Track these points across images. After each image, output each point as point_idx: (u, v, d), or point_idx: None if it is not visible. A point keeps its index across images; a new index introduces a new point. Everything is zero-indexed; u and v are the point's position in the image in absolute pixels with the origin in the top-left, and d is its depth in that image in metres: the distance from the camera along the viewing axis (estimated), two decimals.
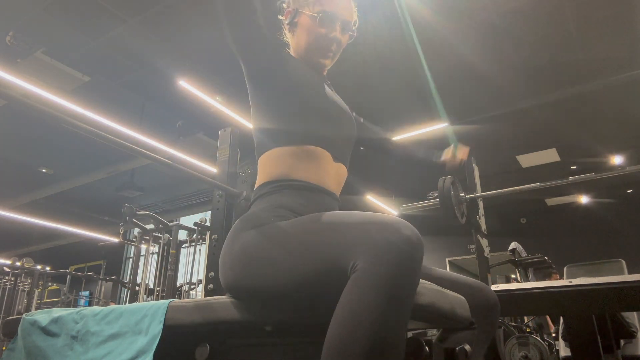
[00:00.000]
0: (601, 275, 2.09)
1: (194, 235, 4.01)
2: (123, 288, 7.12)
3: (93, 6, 3.72)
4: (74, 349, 1.03)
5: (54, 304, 7.98)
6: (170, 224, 4.07)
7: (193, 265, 4.00)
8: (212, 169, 5.82)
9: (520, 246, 4.39)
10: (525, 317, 4.24)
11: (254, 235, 0.91)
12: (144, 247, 4.31)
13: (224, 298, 0.94)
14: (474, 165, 2.87)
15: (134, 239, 4.32)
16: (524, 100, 4.99)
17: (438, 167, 1.45)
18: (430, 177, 2.47)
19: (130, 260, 8.69)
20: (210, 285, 2.02)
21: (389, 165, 6.66)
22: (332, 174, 1.07)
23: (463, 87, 4.83)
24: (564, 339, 3.21)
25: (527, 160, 6.52)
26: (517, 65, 4.44)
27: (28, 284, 5.67)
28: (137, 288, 4.12)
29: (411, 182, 6.96)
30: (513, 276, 4.69)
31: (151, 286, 4.30)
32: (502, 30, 3.96)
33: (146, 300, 3.98)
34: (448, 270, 1.64)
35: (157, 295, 4.08)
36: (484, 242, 2.65)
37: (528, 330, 3.92)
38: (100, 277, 6.70)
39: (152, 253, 4.38)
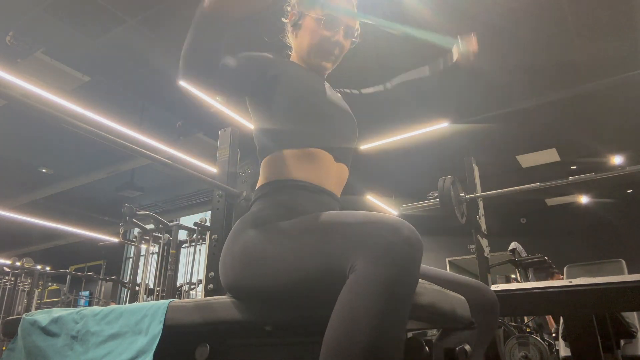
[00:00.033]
0: (601, 275, 2.09)
1: (194, 235, 4.01)
2: (123, 288, 7.12)
3: (93, 6, 3.72)
4: (74, 349, 1.03)
5: (54, 304, 7.98)
6: (170, 224, 4.08)
7: (193, 265, 4.01)
8: (212, 169, 5.82)
9: (520, 246, 4.40)
10: (525, 317, 4.24)
11: (254, 235, 0.91)
12: (144, 247, 4.31)
13: (224, 298, 0.94)
14: (474, 165, 2.87)
15: (134, 239, 4.32)
16: (524, 100, 4.99)
17: (451, 70, 1.38)
18: (431, 177, 2.47)
19: (130, 260, 8.69)
20: (210, 285, 2.02)
21: (389, 165, 6.67)
22: (333, 174, 1.08)
23: (463, 87, 4.83)
24: (564, 339, 3.21)
25: (527, 160, 6.52)
26: (517, 65, 4.44)
27: (28, 284, 5.67)
28: (137, 288, 4.12)
29: (411, 182, 6.96)
30: (513, 276, 4.69)
31: (151, 286, 4.30)
32: (502, 30, 3.96)
33: (146, 300, 3.98)
34: (448, 270, 1.65)
35: (157, 295, 4.08)
36: (484, 242, 2.65)
37: (528, 330, 3.92)
38: (100, 277, 6.70)
39: (152, 253, 4.38)
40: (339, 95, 1.26)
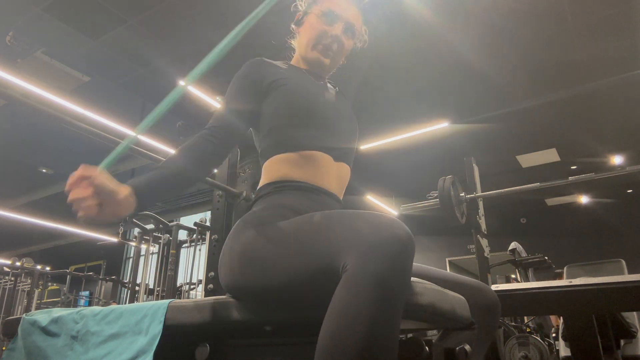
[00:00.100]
0: (601, 275, 2.09)
1: (194, 235, 4.01)
2: (123, 288, 7.12)
3: (93, 6, 3.72)
4: (74, 349, 1.03)
5: (54, 304, 7.98)
6: (170, 224, 4.08)
7: (193, 265, 4.01)
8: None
9: (520, 246, 4.39)
10: (525, 317, 4.24)
11: (254, 235, 0.91)
12: (144, 247, 4.31)
13: (224, 298, 0.95)
14: (474, 165, 2.87)
15: (134, 239, 4.32)
16: (524, 100, 4.99)
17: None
18: (431, 177, 2.47)
19: (130, 260, 8.69)
20: (210, 285, 2.02)
21: (389, 165, 6.67)
22: (334, 174, 1.09)
23: (463, 87, 4.83)
24: (564, 339, 3.21)
25: (527, 160, 6.52)
26: (517, 65, 4.44)
27: (28, 284, 5.67)
28: (137, 288, 4.13)
29: (411, 182, 6.96)
30: (513, 276, 4.69)
31: (151, 286, 4.30)
32: (502, 30, 3.96)
33: (146, 300, 3.98)
34: (448, 270, 1.65)
35: (157, 295, 4.08)
36: (484, 242, 2.65)
37: (528, 330, 3.92)
38: (100, 277, 6.70)
39: (152, 253, 4.38)
40: (341, 94, 1.27)
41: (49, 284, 7.33)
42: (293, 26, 1.23)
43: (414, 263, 0.77)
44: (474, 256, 2.64)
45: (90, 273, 6.42)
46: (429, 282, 0.83)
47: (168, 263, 3.85)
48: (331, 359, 0.65)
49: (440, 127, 5.45)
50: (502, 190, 2.74)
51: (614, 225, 7.14)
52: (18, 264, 5.54)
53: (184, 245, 4.26)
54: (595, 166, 6.25)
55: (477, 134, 5.72)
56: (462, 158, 3.00)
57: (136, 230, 4.37)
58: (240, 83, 1.10)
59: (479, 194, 2.72)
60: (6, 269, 5.43)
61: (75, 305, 8.19)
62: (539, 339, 3.07)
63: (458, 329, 1.00)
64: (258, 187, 1.09)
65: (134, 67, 4.55)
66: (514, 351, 2.98)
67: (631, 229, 6.99)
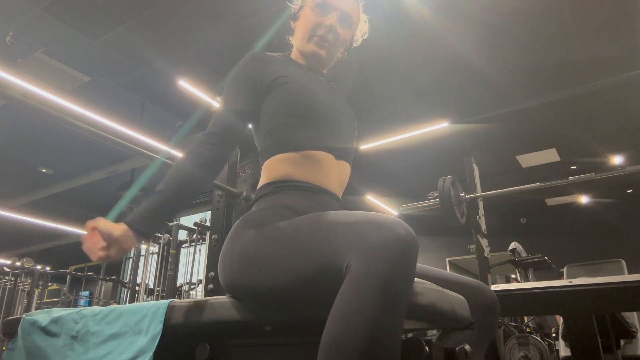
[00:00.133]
0: (601, 275, 2.09)
1: (194, 235, 4.01)
2: (123, 288, 7.12)
3: (93, 6, 3.72)
4: (74, 349, 1.03)
5: (54, 304, 7.98)
6: (170, 224, 4.08)
7: (193, 265, 4.01)
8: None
9: (520, 246, 4.39)
10: (525, 317, 4.24)
11: (254, 235, 0.91)
12: (144, 247, 4.31)
13: (224, 298, 0.95)
14: (474, 165, 2.87)
15: None
16: (524, 100, 4.99)
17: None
18: (431, 177, 2.47)
19: (130, 260, 8.68)
20: (210, 285, 2.02)
21: (389, 165, 6.67)
22: (334, 174, 1.08)
23: (463, 87, 4.83)
24: (564, 339, 3.21)
25: (527, 160, 6.52)
26: (517, 65, 4.44)
27: (28, 284, 5.67)
28: (137, 288, 4.13)
29: (411, 182, 6.96)
30: (513, 276, 4.69)
31: (151, 286, 4.30)
32: (502, 30, 3.96)
33: (146, 300, 3.98)
34: (448, 270, 1.65)
35: (157, 295, 4.08)
36: (484, 242, 2.65)
37: (528, 330, 3.92)
38: (100, 277, 6.70)
39: (152, 253, 4.38)
40: (339, 91, 1.26)
41: (49, 284, 7.33)
42: (290, 22, 1.23)
43: None
44: (474, 256, 2.64)
45: (90, 273, 6.41)
46: (429, 282, 0.83)
47: (168, 263, 3.85)
48: (335, 358, 0.65)
49: (440, 127, 5.45)
50: (502, 190, 2.74)
51: (614, 225, 7.14)
52: (18, 264, 5.54)
53: (184, 245, 4.26)
54: (595, 166, 6.25)
55: (477, 134, 5.72)
56: (462, 158, 3.00)
57: None
58: (239, 83, 1.09)
59: (479, 194, 2.72)
60: (6, 269, 5.43)
61: (75, 305, 8.19)
62: (539, 339, 3.07)
63: (458, 328, 1.00)
64: (258, 187, 1.08)
65: (134, 67, 4.55)
66: (514, 351, 2.98)
67: (631, 229, 6.99)
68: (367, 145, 5.86)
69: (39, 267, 5.73)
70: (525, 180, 2.89)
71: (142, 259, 4.32)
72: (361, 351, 0.64)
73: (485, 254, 2.61)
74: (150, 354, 0.91)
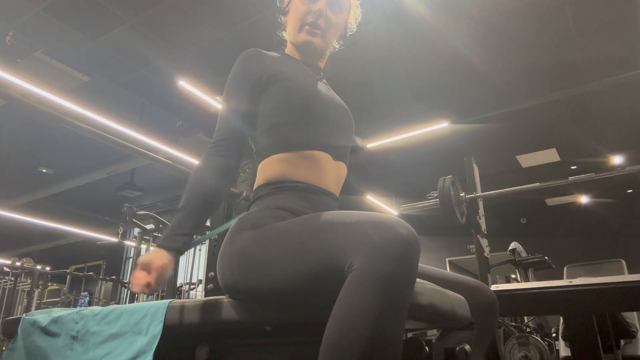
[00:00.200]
0: (601, 275, 2.09)
1: (194, 235, 4.00)
2: (123, 288, 7.12)
3: (93, 6, 3.72)
4: (74, 349, 1.03)
5: (54, 304, 7.98)
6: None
7: (193, 265, 4.01)
8: None
9: (520, 246, 4.39)
10: (525, 317, 4.24)
11: (252, 235, 0.91)
12: (144, 247, 4.31)
13: (223, 298, 0.95)
14: (474, 165, 2.87)
15: (134, 239, 4.32)
16: (524, 100, 4.99)
17: None
18: (431, 177, 2.47)
19: (130, 260, 8.69)
20: (210, 285, 2.02)
21: (389, 165, 6.66)
22: (332, 174, 1.08)
23: (463, 87, 4.83)
24: (564, 339, 3.21)
25: (527, 160, 6.52)
26: (517, 65, 4.44)
27: (28, 284, 5.66)
28: None
29: (411, 182, 6.96)
30: (513, 276, 4.68)
31: None
32: (502, 30, 3.96)
33: (146, 300, 3.98)
34: (448, 270, 1.65)
35: (157, 295, 4.08)
36: (484, 242, 2.65)
37: (528, 330, 3.92)
38: (100, 277, 6.70)
39: None
40: (333, 92, 1.25)
41: (49, 284, 7.32)
42: (280, 17, 1.21)
43: None
44: (474, 256, 2.64)
45: (90, 273, 6.40)
46: (429, 282, 0.83)
47: None
48: (336, 358, 0.65)
49: (440, 127, 5.45)
50: (502, 190, 2.74)
51: (614, 225, 7.14)
52: (18, 264, 5.53)
53: None
54: (595, 166, 6.24)
55: (477, 134, 5.71)
56: (462, 158, 3.00)
57: (136, 230, 4.36)
58: (239, 84, 1.07)
59: (479, 194, 2.72)
60: (6, 269, 5.42)
61: (76, 305, 8.19)
62: (539, 339, 3.07)
63: (458, 328, 1.00)
64: (255, 187, 1.07)
65: (134, 67, 4.55)
66: (514, 351, 2.98)
67: (631, 229, 6.99)
68: (367, 145, 5.86)
69: (39, 267, 5.72)
70: (525, 180, 2.89)
71: None
72: (363, 351, 0.64)
73: (485, 254, 2.61)
74: (150, 354, 0.91)
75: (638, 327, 3.07)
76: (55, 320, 1.10)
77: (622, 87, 4.66)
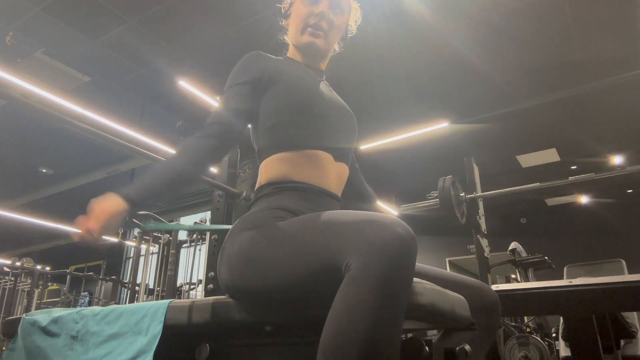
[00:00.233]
0: (601, 275, 2.09)
1: (194, 236, 4.01)
2: (123, 288, 7.12)
3: (93, 6, 3.72)
4: (74, 349, 1.03)
5: (54, 304, 7.98)
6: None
7: (193, 265, 4.01)
8: (212, 169, 5.82)
9: (520, 246, 4.39)
10: (525, 317, 4.24)
11: (252, 235, 0.91)
12: (144, 247, 4.31)
13: (223, 298, 0.94)
14: (474, 165, 2.87)
15: (134, 239, 4.32)
16: (524, 100, 4.99)
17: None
18: (431, 177, 2.47)
19: (130, 260, 8.68)
20: (210, 285, 2.02)
21: (389, 165, 6.67)
22: (333, 174, 1.08)
23: (463, 87, 4.83)
24: (564, 339, 3.20)
25: (527, 160, 6.52)
26: (517, 65, 4.44)
27: (28, 284, 5.66)
28: (137, 288, 4.12)
29: (411, 182, 6.96)
30: (513, 276, 4.68)
31: (151, 286, 4.30)
32: (502, 30, 3.96)
33: (146, 300, 3.98)
34: (448, 270, 1.64)
35: (157, 295, 4.08)
36: (484, 242, 2.65)
37: (528, 330, 3.92)
38: (100, 277, 6.70)
39: (152, 253, 4.38)
40: (335, 93, 1.25)
41: (49, 284, 7.32)
42: (282, 20, 1.21)
43: None
44: (474, 256, 2.64)
45: (90, 273, 6.41)
46: (429, 282, 0.83)
47: (168, 263, 3.85)
48: (334, 358, 0.65)
49: (440, 127, 5.45)
50: (502, 190, 2.74)
51: (614, 225, 7.14)
52: (18, 264, 5.54)
53: (184, 246, 4.26)
54: (595, 166, 6.24)
55: (477, 134, 5.71)
56: (462, 158, 3.00)
57: (136, 231, 4.37)
58: (238, 82, 1.07)
59: (479, 194, 2.72)
60: (6, 269, 5.42)
61: (76, 305, 8.19)
62: (539, 339, 3.07)
63: (458, 329, 1.00)
64: (256, 187, 1.07)
65: (134, 67, 4.55)
66: (514, 351, 2.98)
67: (631, 229, 6.99)
68: (367, 145, 5.86)
69: (39, 267, 5.72)
70: (525, 180, 2.89)
71: (142, 259, 4.32)
72: (360, 350, 0.64)
73: (485, 254, 2.61)
74: (150, 354, 0.91)
75: (638, 327, 3.06)
76: (55, 320, 1.10)
77: (622, 87, 4.66)
